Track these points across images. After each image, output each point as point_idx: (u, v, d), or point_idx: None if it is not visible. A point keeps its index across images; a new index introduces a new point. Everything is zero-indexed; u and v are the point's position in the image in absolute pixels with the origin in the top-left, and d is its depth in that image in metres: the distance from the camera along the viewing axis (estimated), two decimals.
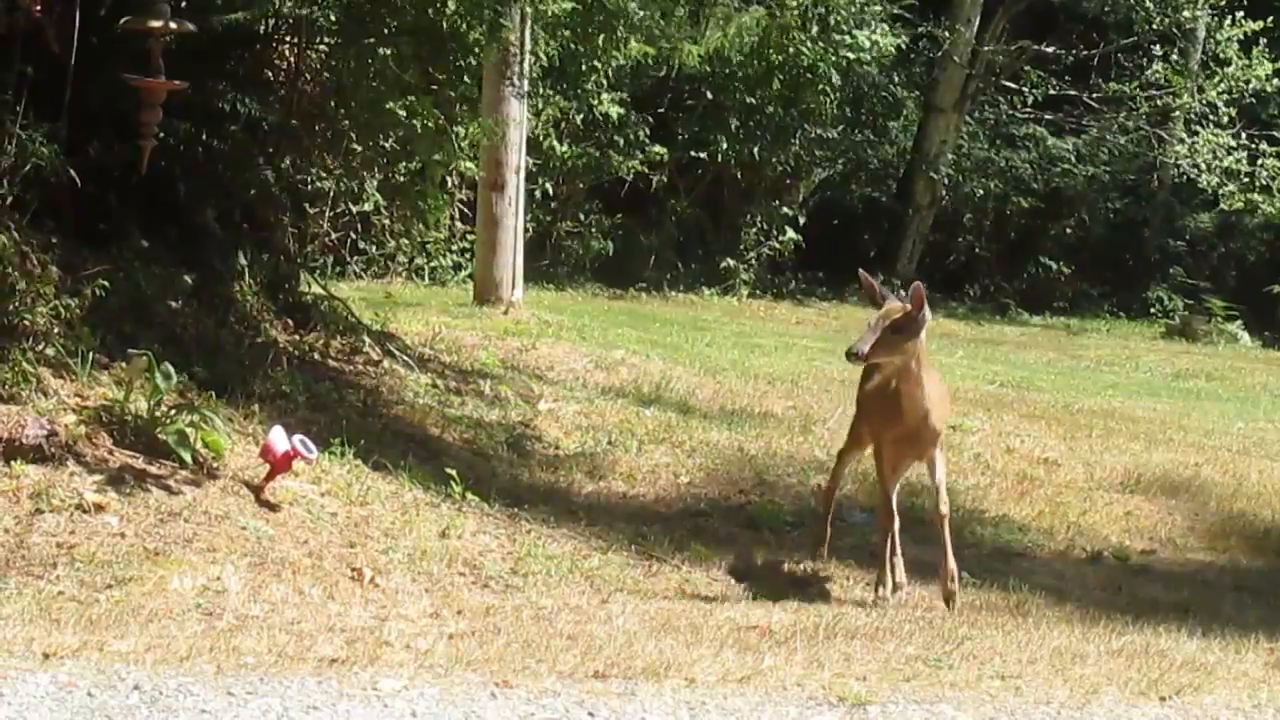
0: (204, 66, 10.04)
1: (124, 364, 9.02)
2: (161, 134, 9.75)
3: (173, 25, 9.40)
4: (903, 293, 8.66)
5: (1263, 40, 26.70)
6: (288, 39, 11.14)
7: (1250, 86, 27.07)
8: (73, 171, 9.40)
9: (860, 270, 9.12)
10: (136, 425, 8.66)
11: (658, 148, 23.82)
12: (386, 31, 10.69)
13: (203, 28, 9.58)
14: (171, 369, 8.76)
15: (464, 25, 10.62)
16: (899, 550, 9.16)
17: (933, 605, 8.79)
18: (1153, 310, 28.15)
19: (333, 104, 11.45)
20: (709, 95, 24.29)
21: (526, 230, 18.21)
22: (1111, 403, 15.77)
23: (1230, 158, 27.37)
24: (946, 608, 8.75)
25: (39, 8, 9.28)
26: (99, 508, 8.04)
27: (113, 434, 8.58)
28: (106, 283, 9.35)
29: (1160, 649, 8.02)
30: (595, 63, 21.79)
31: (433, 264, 21.58)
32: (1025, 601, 9.15)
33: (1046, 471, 11.90)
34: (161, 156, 9.91)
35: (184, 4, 9.82)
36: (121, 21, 9.48)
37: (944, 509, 8.92)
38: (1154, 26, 27.24)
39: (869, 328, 8.39)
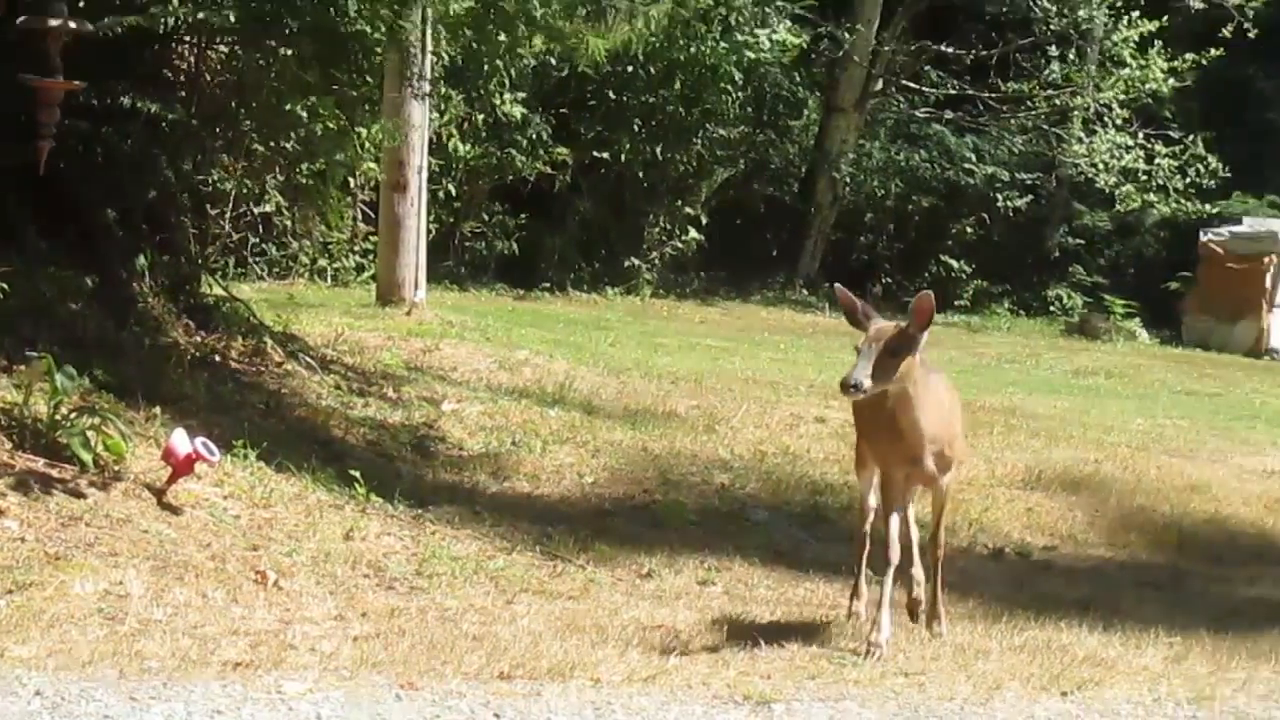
0: (102, 66, 9.95)
1: (23, 366, 8.92)
2: (60, 134, 9.67)
3: (71, 24, 9.32)
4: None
5: (1158, 41, 26.98)
6: (188, 39, 11.06)
7: (1146, 87, 27.33)
8: None
9: (837, 285, 7.68)
10: (36, 428, 8.58)
11: (560, 148, 23.82)
12: (287, 32, 10.61)
13: (101, 28, 9.49)
14: (73, 371, 8.68)
15: (364, 26, 10.57)
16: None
17: (837, 604, 8.79)
18: (1053, 308, 28.44)
19: (233, 104, 11.38)
20: (611, 95, 24.33)
21: (429, 231, 18.20)
22: (1012, 400, 15.89)
23: (1127, 156, 27.68)
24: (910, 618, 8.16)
25: None
26: None
27: (12, 437, 8.50)
28: (5, 284, 9.26)
29: (1062, 644, 8.11)
30: (497, 62, 21.76)
31: (335, 265, 21.49)
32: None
33: None
34: (60, 157, 9.83)
35: (82, 3, 9.73)
36: (18, 20, 9.38)
37: (939, 552, 8.20)
38: (1052, 27, 27.49)
39: (861, 352, 7.20)
